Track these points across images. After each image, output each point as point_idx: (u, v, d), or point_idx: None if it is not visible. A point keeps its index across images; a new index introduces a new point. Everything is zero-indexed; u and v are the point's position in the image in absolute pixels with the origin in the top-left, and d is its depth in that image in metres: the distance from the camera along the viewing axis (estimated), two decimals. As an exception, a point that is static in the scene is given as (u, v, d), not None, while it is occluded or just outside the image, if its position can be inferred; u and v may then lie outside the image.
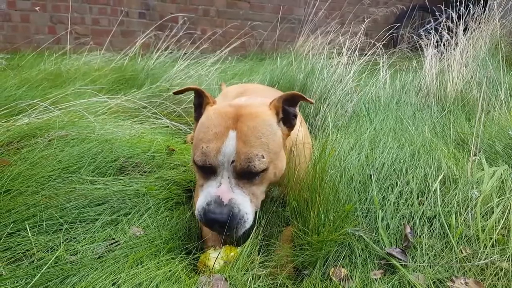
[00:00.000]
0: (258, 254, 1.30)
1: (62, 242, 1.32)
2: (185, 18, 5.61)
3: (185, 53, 3.65)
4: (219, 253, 1.24)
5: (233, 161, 1.26)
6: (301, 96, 1.43)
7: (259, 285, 1.16)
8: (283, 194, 1.55)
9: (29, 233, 1.33)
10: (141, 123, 2.44)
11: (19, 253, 1.28)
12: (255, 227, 1.36)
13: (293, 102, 1.44)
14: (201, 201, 1.27)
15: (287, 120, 1.45)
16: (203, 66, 3.54)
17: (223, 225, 1.21)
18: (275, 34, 5.79)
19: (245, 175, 1.28)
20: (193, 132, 2.50)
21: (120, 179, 1.70)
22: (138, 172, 1.79)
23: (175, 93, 1.57)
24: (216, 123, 1.31)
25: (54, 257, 1.22)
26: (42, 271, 1.16)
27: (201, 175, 1.33)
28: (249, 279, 1.16)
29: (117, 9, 5.70)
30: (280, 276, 1.21)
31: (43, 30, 5.44)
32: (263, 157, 1.27)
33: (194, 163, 1.32)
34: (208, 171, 1.29)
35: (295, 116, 1.46)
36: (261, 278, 1.19)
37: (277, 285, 1.20)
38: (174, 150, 2.10)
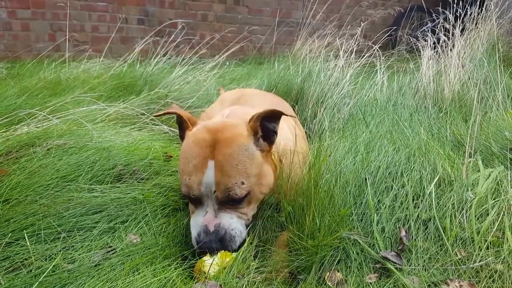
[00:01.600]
0: (254, 260, 1.31)
1: (60, 251, 1.33)
2: (184, 23, 5.64)
3: (183, 59, 3.67)
4: (213, 259, 1.25)
5: (214, 191, 1.32)
6: (280, 112, 1.41)
7: (253, 291, 1.17)
8: (279, 200, 1.56)
9: (28, 242, 1.35)
10: (139, 129, 2.45)
11: (17, 262, 1.29)
12: (251, 234, 1.37)
13: (273, 118, 1.43)
14: (193, 232, 1.36)
15: (267, 137, 1.44)
16: (201, 71, 3.56)
17: (216, 249, 1.30)
18: (273, 38, 5.82)
19: (228, 202, 1.34)
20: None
21: (118, 187, 1.71)
22: (136, 180, 1.80)
23: (155, 116, 1.62)
24: (195, 153, 1.35)
25: (52, 265, 1.24)
26: (40, 280, 1.18)
27: (190, 203, 1.45)
28: (244, 285, 1.17)
29: (116, 15, 5.73)
30: (275, 281, 1.22)
31: (43, 38, 5.48)
32: (242, 183, 1.32)
33: (182, 193, 1.42)
34: (194, 201, 1.38)
35: (275, 132, 1.45)
36: (256, 284, 1.20)
37: (272, 291, 1.21)
38: (171, 156, 2.11)
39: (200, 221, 1.34)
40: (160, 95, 2.91)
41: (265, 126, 1.42)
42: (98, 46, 5.53)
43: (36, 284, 1.17)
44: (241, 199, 1.34)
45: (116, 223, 1.49)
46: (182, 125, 1.52)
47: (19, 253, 1.33)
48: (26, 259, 1.31)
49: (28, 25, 5.39)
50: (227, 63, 3.99)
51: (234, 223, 1.35)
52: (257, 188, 1.38)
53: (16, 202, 1.55)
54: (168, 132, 2.56)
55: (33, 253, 1.32)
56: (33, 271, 1.25)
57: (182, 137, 1.52)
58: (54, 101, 2.60)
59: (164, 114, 1.59)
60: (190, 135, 1.44)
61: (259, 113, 1.40)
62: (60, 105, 2.56)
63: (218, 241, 1.30)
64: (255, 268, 1.26)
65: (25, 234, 1.38)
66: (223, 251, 1.32)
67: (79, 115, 2.31)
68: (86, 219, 1.49)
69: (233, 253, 1.31)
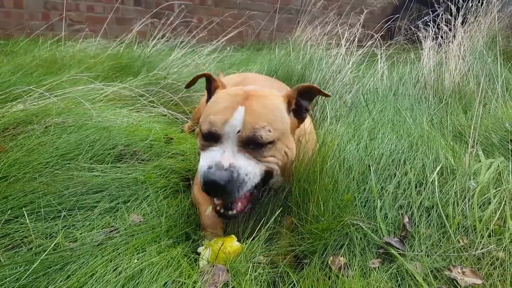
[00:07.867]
0: (262, 244, 1.30)
1: (61, 229, 1.31)
2: (182, 5, 5.54)
3: (181, 42, 3.61)
4: (208, 249, 1.24)
5: (239, 131, 1.27)
6: (318, 90, 1.44)
7: (260, 273, 1.16)
8: (287, 185, 1.54)
9: (27, 220, 1.32)
10: (138, 111, 2.41)
11: (17, 239, 1.27)
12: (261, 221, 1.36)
13: (308, 95, 1.45)
14: (203, 165, 1.26)
15: (299, 113, 1.45)
16: (199, 55, 3.50)
17: (222, 189, 1.20)
18: (272, 24, 5.74)
19: (250, 144, 1.28)
20: (190, 121, 2.48)
21: (118, 167, 1.69)
22: (136, 160, 1.78)
23: (186, 87, 1.61)
24: (226, 99, 1.35)
25: (53, 244, 1.22)
26: (41, 258, 1.16)
27: (206, 145, 1.33)
28: (250, 268, 1.17)
29: (112, -4, 5.60)
30: (281, 264, 1.22)
31: (37, 16, 5.33)
32: (269, 131, 1.28)
33: (201, 133, 1.34)
34: (213, 139, 1.30)
35: (307, 110, 1.47)
36: (261, 265, 1.19)
37: (278, 273, 1.21)
38: (172, 139, 2.08)
39: (216, 156, 1.26)
40: (159, 77, 2.86)
41: (298, 101, 1.44)
42: (93, 26, 5.39)
43: (38, 262, 1.14)
44: (264, 144, 1.28)
45: (118, 203, 1.47)
46: (211, 87, 1.51)
47: (18, 231, 1.31)
48: (25, 237, 1.29)
49: (21, 2, 5.24)
50: (227, 48, 3.93)
51: (250, 167, 1.27)
52: (281, 144, 1.34)
53: (14, 180, 1.51)
54: (167, 115, 2.52)
55: (33, 231, 1.30)
56: (33, 249, 1.23)
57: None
58: (50, 80, 2.53)
59: (195, 79, 1.56)
60: (221, 90, 1.46)
61: (298, 86, 1.43)
62: (56, 83, 2.50)
63: (227, 181, 1.20)
64: (261, 252, 1.25)
65: (25, 211, 1.36)
66: (227, 238, 1.29)
67: (77, 94, 2.26)
68: (87, 198, 1.47)
69: (237, 243, 1.29)
